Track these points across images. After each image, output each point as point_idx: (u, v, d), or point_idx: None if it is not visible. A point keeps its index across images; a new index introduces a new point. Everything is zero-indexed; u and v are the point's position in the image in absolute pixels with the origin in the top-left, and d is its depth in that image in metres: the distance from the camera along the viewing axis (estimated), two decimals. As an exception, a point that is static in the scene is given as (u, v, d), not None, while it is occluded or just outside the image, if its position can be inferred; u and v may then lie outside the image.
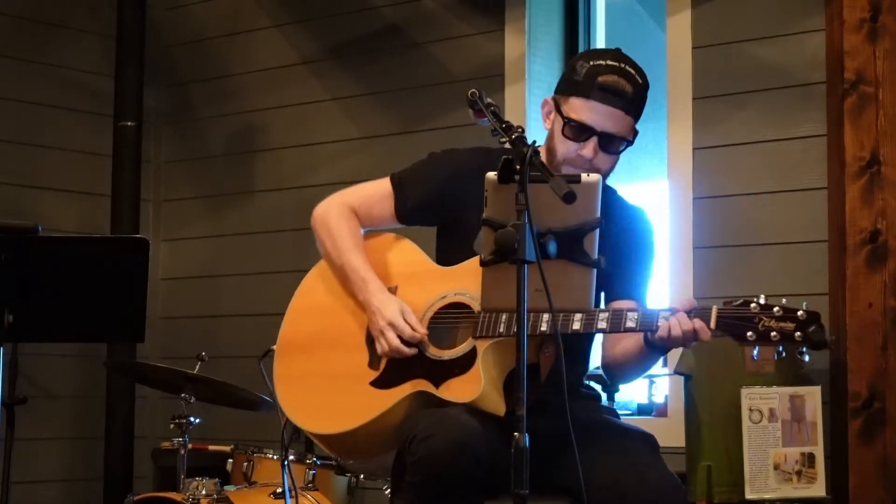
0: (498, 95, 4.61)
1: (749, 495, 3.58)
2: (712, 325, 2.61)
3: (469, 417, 2.63)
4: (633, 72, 2.87)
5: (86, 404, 5.29)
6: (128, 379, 5.06)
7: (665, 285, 4.28)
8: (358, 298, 2.94)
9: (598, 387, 4.19)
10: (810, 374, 3.73)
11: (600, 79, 2.82)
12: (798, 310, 2.56)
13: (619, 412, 4.11)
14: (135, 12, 5.25)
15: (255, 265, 5.23)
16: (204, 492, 3.80)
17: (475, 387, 2.69)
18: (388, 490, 3.11)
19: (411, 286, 2.93)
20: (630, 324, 2.65)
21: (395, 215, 3.04)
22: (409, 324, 2.82)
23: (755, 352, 2.62)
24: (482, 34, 4.78)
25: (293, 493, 3.63)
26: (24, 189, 5.19)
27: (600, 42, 4.82)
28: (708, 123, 4.26)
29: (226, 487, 3.91)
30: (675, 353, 3.97)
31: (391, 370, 2.85)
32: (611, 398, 4.26)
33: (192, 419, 3.92)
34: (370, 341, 2.91)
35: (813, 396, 3.63)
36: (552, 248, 2.40)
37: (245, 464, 4.01)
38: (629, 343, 2.82)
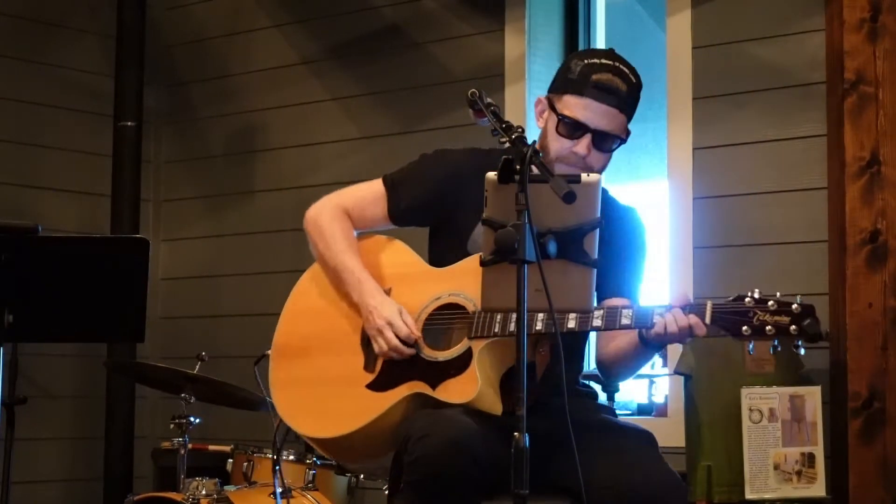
0: (498, 95, 4.61)
1: (749, 495, 3.58)
2: (707, 320, 2.62)
3: (466, 418, 2.63)
4: (626, 71, 2.87)
5: (86, 404, 5.29)
6: (128, 379, 5.06)
7: (665, 285, 4.28)
8: (353, 299, 2.93)
9: (597, 386, 4.20)
10: (810, 374, 3.74)
11: (595, 77, 2.83)
12: (792, 303, 2.57)
13: (620, 412, 4.12)
14: (135, 12, 5.25)
15: (255, 265, 5.23)
16: (204, 492, 3.80)
17: (472, 387, 2.70)
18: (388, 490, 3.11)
19: (405, 288, 2.93)
20: (625, 321, 2.66)
21: (388, 216, 3.04)
22: (406, 323, 2.82)
23: (751, 346, 2.62)
24: (482, 34, 4.78)
25: (285, 494, 3.64)
26: (24, 189, 5.19)
27: (600, 42, 4.82)
28: (708, 123, 4.26)
29: (226, 487, 3.91)
30: (675, 353, 3.97)
31: (387, 373, 2.85)
32: (610, 398, 4.25)
33: (192, 419, 3.92)
34: (365, 344, 2.91)
35: (813, 396, 3.63)
36: (552, 248, 2.40)
37: (245, 464, 4.01)
38: (623, 340, 2.83)
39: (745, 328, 2.58)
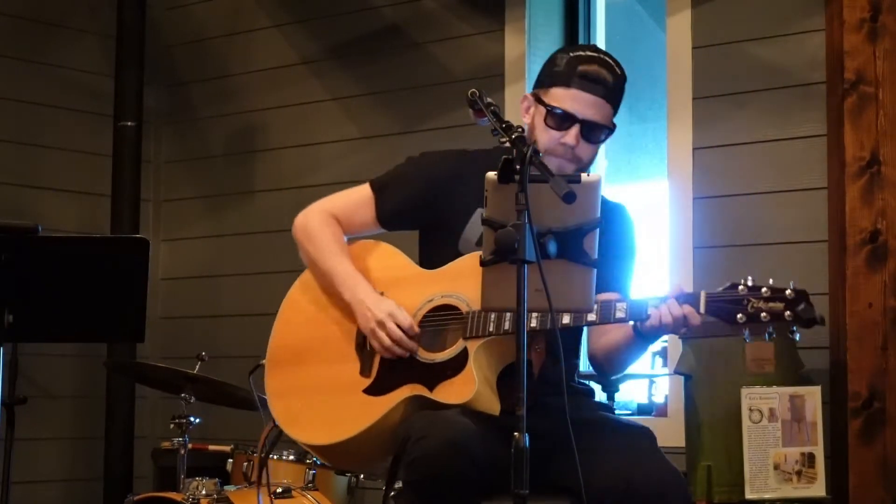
0: (498, 95, 4.61)
1: (749, 495, 3.58)
2: (702, 309, 2.63)
3: (463, 418, 2.63)
4: (612, 62, 2.91)
5: (86, 404, 5.29)
6: (128, 379, 5.06)
7: (665, 285, 4.27)
8: (346, 301, 2.93)
9: (597, 386, 4.20)
10: (810, 374, 3.73)
11: (581, 68, 2.86)
12: (786, 289, 2.58)
13: (620, 412, 4.12)
14: (135, 12, 5.25)
15: (255, 265, 5.23)
16: (204, 492, 3.80)
17: (469, 387, 2.70)
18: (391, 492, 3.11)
19: (397, 291, 2.92)
20: (620, 314, 2.67)
21: (377, 220, 3.04)
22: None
23: (746, 334, 2.62)
24: (482, 34, 4.78)
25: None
26: (24, 189, 5.19)
27: (600, 42, 4.82)
28: (708, 123, 4.26)
29: (226, 487, 3.91)
30: (675, 353, 3.97)
31: (383, 376, 2.85)
32: (611, 398, 4.25)
33: (192, 419, 3.92)
34: (360, 349, 2.91)
35: (813, 396, 3.62)
36: (552, 248, 2.40)
37: (245, 464, 4.01)
38: (617, 334, 2.84)
39: (739, 316, 2.59)
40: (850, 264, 3.84)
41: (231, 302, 5.34)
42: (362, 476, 4.09)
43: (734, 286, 2.61)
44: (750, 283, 2.60)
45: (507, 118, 2.60)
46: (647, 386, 4.62)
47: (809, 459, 3.59)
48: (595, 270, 2.49)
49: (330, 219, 3.04)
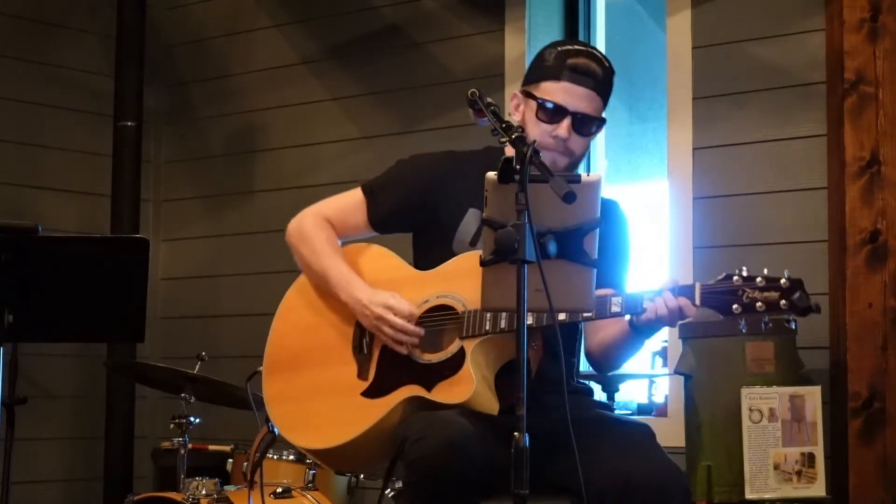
0: (498, 95, 4.60)
1: (749, 495, 3.58)
2: (697, 301, 2.63)
3: (461, 418, 2.63)
4: (600, 56, 2.93)
5: (86, 404, 5.29)
6: (128, 379, 5.06)
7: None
8: (342, 301, 2.93)
9: (597, 386, 4.20)
10: (810, 374, 3.73)
11: (570, 61, 2.88)
12: (780, 278, 2.57)
13: (620, 412, 4.12)
14: (135, 12, 5.25)
15: (255, 265, 5.23)
16: (204, 492, 3.80)
17: (467, 387, 2.71)
18: (391, 492, 3.11)
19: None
20: (615, 308, 2.67)
21: (369, 223, 3.04)
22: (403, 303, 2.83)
23: (742, 324, 2.62)
24: (482, 34, 4.78)
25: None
26: (24, 189, 5.19)
27: (600, 42, 4.82)
28: (708, 123, 4.26)
29: (226, 487, 3.91)
30: (675, 353, 3.97)
31: (381, 378, 2.85)
32: (611, 398, 4.25)
33: (192, 419, 3.92)
34: (357, 352, 2.92)
35: (813, 396, 3.62)
36: (552, 248, 2.40)
37: (245, 464, 4.01)
38: (613, 329, 2.84)
39: (735, 306, 2.59)
40: (850, 264, 3.84)
41: (231, 302, 5.34)
42: (362, 476, 4.08)
43: (729, 277, 2.61)
44: (745, 274, 2.59)
45: (506, 118, 2.60)
46: (647, 386, 4.62)
47: (809, 459, 3.59)
48: (595, 270, 2.49)
49: (323, 222, 3.04)
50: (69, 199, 5.33)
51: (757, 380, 3.64)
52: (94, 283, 3.15)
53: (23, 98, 5.23)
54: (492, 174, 2.40)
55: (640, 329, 2.73)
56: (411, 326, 2.81)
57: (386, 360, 2.87)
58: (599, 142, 4.73)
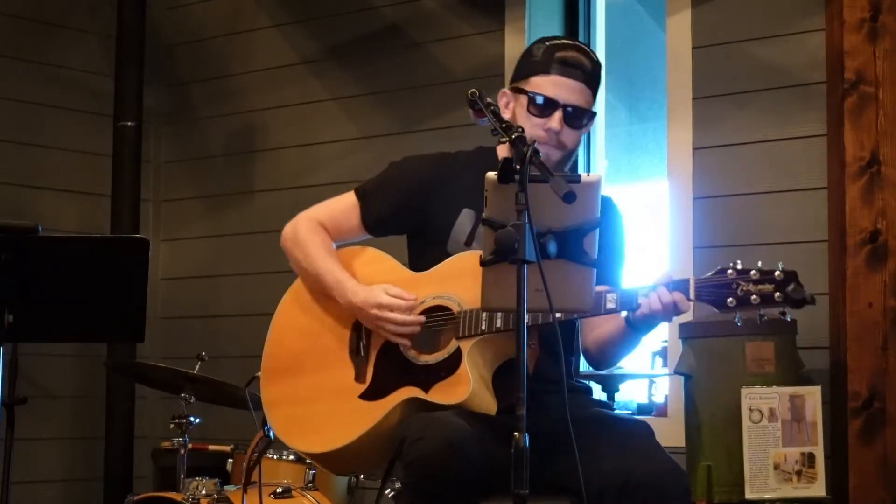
0: (498, 96, 4.59)
1: (749, 495, 3.58)
2: (691, 295, 2.63)
3: (459, 419, 2.63)
4: (587, 49, 2.96)
5: (86, 404, 5.29)
6: (128, 379, 5.06)
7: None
8: (338, 302, 2.94)
9: (597, 386, 4.21)
10: (810, 374, 3.73)
11: (559, 54, 2.90)
12: (774, 270, 2.57)
13: (620, 412, 4.11)
14: (135, 12, 5.25)
15: (255, 265, 5.23)
16: (204, 492, 3.80)
17: (464, 387, 2.71)
18: (391, 492, 3.11)
19: None
20: (610, 305, 2.68)
21: (363, 226, 3.05)
22: (397, 295, 2.83)
23: (737, 318, 2.62)
24: (482, 34, 4.78)
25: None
26: (24, 189, 5.19)
27: (600, 42, 4.82)
28: (708, 123, 4.26)
29: (226, 487, 3.91)
30: (675, 353, 3.97)
31: (378, 381, 2.86)
32: (611, 397, 4.25)
33: (192, 419, 3.92)
34: (354, 355, 2.92)
35: (813, 396, 3.62)
36: (552, 248, 2.40)
37: (245, 464, 4.01)
38: (610, 326, 2.84)
39: (730, 300, 2.59)
40: (850, 264, 3.83)
41: (231, 302, 5.34)
42: (362, 476, 4.08)
43: (723, 271, 2.61)
44: (739, 267, 2.60)
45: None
46: (647, 386, 4.62)
47: (809, 459, 3.59)
48: (595, 270, 2.50)
49: (317, 226, 3.05)
50: (69, 199, 5.33)
51: (757, 380, 3.64)
52: (94, 283, 3.15)
53: (23, 98, 5.23)
54: (492, 174, 2.40)
55: (636, 325, 2.73)
56: (409, 319, 2.81)
57: (383, 363, 2.87)
58: (599, 142, 4.73)
